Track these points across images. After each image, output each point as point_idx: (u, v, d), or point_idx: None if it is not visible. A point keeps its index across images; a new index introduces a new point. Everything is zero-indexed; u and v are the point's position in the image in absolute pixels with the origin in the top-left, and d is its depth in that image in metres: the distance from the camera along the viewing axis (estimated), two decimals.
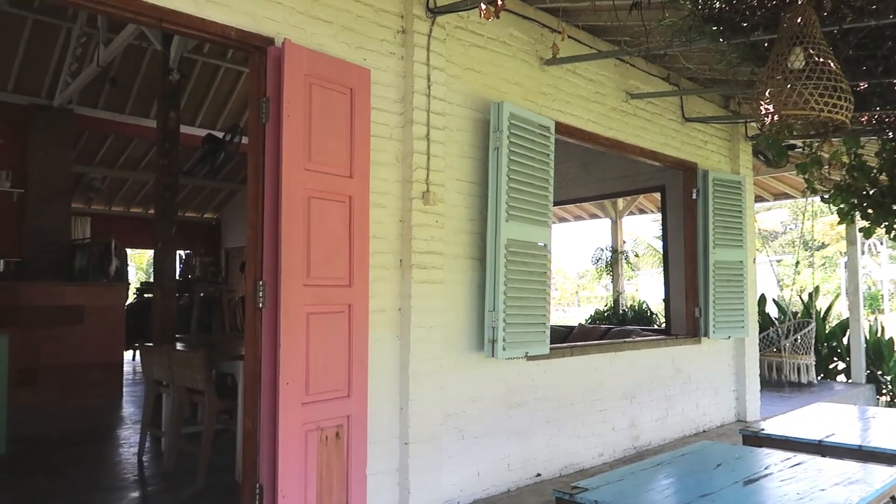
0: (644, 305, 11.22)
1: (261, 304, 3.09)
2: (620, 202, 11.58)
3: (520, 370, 4.42)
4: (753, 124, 6.76)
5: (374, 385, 3.48)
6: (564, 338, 7.84)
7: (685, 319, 6.49)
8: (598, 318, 11.23)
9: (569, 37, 4.59)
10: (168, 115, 6.38)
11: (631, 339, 6.04)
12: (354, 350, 3.32)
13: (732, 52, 4.22)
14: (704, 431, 6.18)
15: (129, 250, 10.15)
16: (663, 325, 8.73)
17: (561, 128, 4.80)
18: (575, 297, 28.37)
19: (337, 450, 3.21)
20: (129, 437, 5.70)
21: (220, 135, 7.66)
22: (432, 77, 3.88)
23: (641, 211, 12.32)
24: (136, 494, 4.15)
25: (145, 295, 10.97)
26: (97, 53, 7.81)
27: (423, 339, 3.72)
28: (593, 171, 8.53)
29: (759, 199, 10.24)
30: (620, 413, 5.27)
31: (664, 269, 7.50)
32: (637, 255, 13.22)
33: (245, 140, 7.98)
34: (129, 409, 7.09)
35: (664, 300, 7.10)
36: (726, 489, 2.75)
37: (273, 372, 3.03)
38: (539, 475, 4.51)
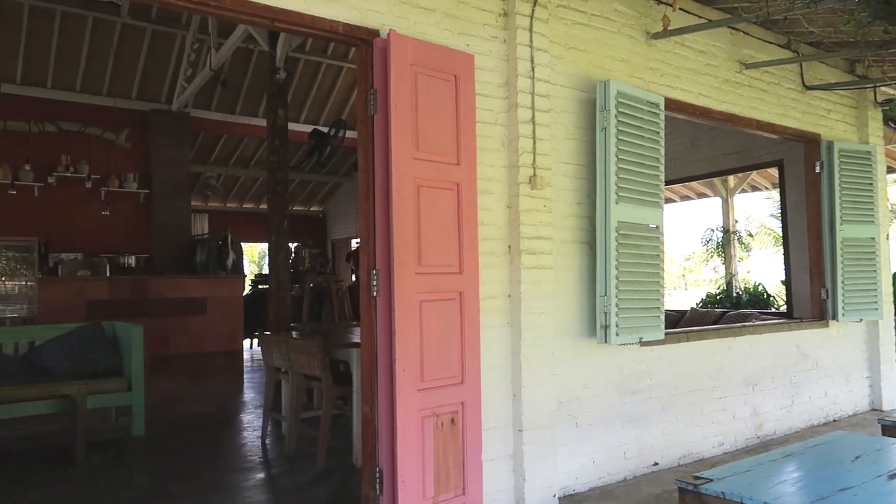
0: (760, 288, 10.63)
1: (375, 293, 3.15)
2: (731, 179, 10.99)
3: (633, 356, 4.29)
4: (885, 89, 6.21)
5: (486, 372, 3.48)
6: (676, 322, 7.55)
7: (810, 302, 6.08)
8: (709, 301, 10.75)
9: (678, 8, 4.39)
10: (277, 113, 6.63)
11: (751, 324, 5.72)
12: (466, 337, 3.33)
13: (862, 10, 3.87)
14: (835, 421, 5.79)
15: (243, 244, 10.66)
16: (782, 308, 8.25)
17: (670, 104, 4.60)
18: (681, 280, 27.33)
19: (452, 436, 3.24)
20: (252, 420, 6.00)
21: (325, 129, 7.88)
22: (536, 59, 3.81)
23: (754, 188, 11.65)
24: (262, 475, 4.36)
25: (259, 286, 11.53)
26: (209, 58, 8.21)
27: (533, 326, 3.67)
28: (702, 148, 8.14)
29: (891, 170, 9.43)
30: (741, 401, 5.01)
31: (784, 249, 7.06)
32: (751, 235, 12.52)
33: (349, 134, 8.20)
34: (249, 394, 7.48)
35: (784, 282, 6.69)
36: (868, 483, 2.55)
37: (389, 359, 3.08)
38: (656, 464, 4.37)
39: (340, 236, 15.41)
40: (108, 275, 8.16)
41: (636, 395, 4.29)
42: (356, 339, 4.93)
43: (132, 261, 8.79)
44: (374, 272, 3.16)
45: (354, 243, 14.34)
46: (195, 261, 9.72)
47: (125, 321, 5.99)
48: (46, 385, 4.72)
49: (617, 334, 3.92)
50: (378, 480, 3.10)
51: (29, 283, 7.26)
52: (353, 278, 11.79)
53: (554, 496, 3.68)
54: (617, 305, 3.92)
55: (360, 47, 3.29)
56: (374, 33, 3.26)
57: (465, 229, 3.37)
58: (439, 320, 3.23)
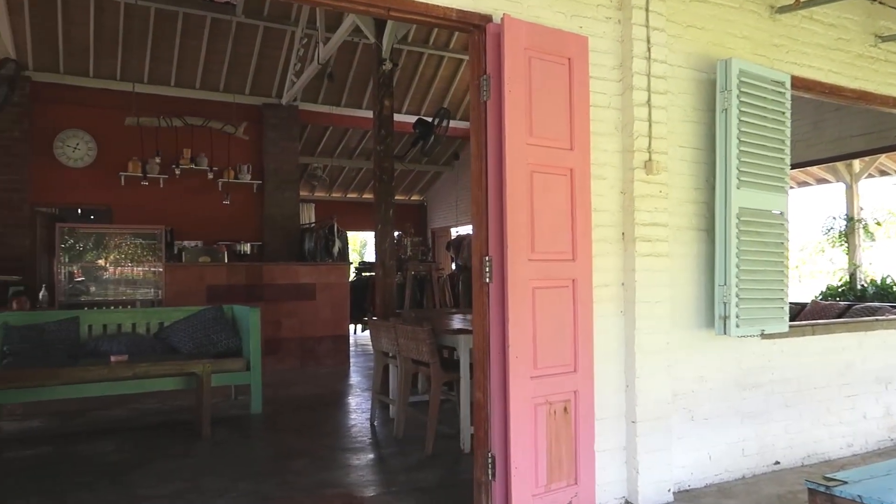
0: (889, 280, 9.84)
1: (487, 279, 3.15)
2: (857, 163, 10.23)
3: (754, 349, 4.08)
4: None
5: (599, 361, 3.41)
6: (796, 315, 7.11)
7: None
8: (831, 294, 10.08)
9: None
10: (383, 103, 6.75)
11: (885, 318, 5.31)
12: (579, 325, 3.27)
13: None
14: None
15: (347, 232, 10.98)
16: None
17: (796, 82, 4.31)
18: (795, 271, 25.78)
19: (565, 424, 3.20)
20: (360, 403, 6.19)
21: (429, 119, 7.97)
22: (652, 39, 3.67)
23: (883, 172, 10.78)
24: (372, 456, 4.49)
25: (363, 274, 11.85)
26: (317, 52, 8.48)
27: (648, 315, 3.56)
28: (826, 130, 7.63)
29: None
30: (873, 400, 4.67)
31: None
32: (878, 223, 11.57)
33: (452, 123, 8.25)
34: (355, 377, 7.71)
35: None
36: None
37: (502, 346, 3.08)
38: (777, 463, 4.15)
39: (440, 225, 15.58)
40: (225, 261, 8.63)
41: (756, 390, 4.08)
42: (459, 325, 4.98)
43: (247, 248, 9.27)
44: (487, 259, 3.16)
45: (454, 232, 14.45)
46: (303, 248, 10.12)
47: (241, 305, 6.32)
48: (176, 363, 5.05)
49: (737, 325, 3.74)
50: (490, 466, 3.11)
51: (156, 269, 7.78)
52: (454, 266, 11.89)
53: (668, 490, 3.57)
54: (737, 296, 3.73)
55: (472, 33, 3.28)
56: (487, 18, 3.24)
57: (578, 215, 3.30)
58: (552, 308, 3.19)
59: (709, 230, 3.90)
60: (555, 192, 3.24)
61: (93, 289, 7.76)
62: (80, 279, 7.74)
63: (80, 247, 7.83)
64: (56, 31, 8.44)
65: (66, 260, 7.65)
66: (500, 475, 3.08)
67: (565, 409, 3.21)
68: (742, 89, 3.80)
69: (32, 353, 5.19)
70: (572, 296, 3.27)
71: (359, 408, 6.00)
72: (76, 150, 8.85)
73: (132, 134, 8.90)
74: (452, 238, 13.15)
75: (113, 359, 4.92)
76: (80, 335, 5.64)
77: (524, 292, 3.09)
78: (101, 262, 7.84)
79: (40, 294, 7.62)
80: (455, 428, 5.02)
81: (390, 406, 5.45)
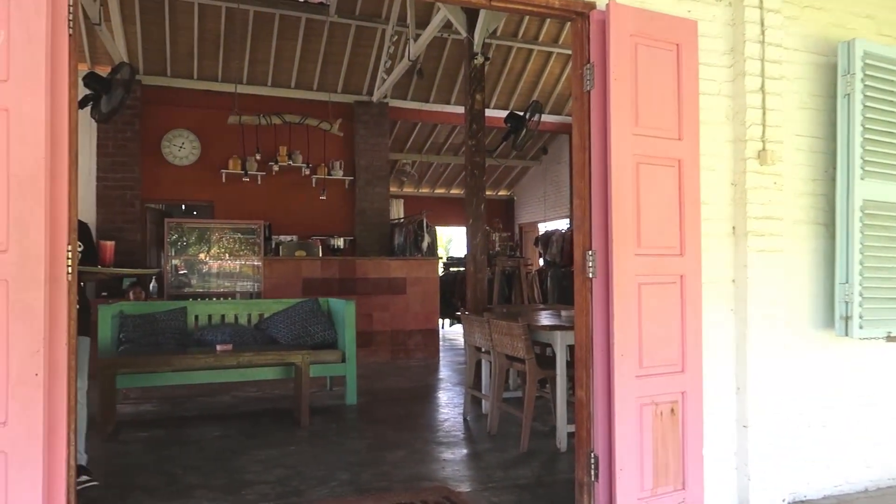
0: None
1: (591, 275, 3.06)
2: None
3: (879, 352, 3.79)
4: None
5: (708, 362, 3.26)
6: None
7: None
8: None
9: None
10: (474, 98, 6.72)
11: None
12: (688, 323, 3.13)
13: None
14: None
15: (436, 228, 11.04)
16: None
17: None
18: None
19: (672, 426, 3.07)
20: (452, 398, 6.20)
21: (520, 113, 7.89)
22: (766, 21, 3.46)
23: None
24: (466, 451, 4.48)
25: (451, 269, 11.89)
26: (407, 49, 8.55)
27: (761, 314, 3.36)
28: None
29: None
30: None
31: None
32: None
33: (544, 117, 8.13)
34: (445, 371, 7.74)
35: None
36: None
37: (606, 343, 2.99)
38: None
39: (528, 220, 15.44)
40: (320, 255, 8.86)
41: (881, 397, 3.79)
42: (551, 321, 4.89)
43: (340, 242, 9.49)
44: (590, 253, 3.07)
45: (542, 227, 14.28)
46: (393, 243, 10.26)
47: (335, 298, 6.46)
48: (276, 353, 5.21)
49: (860, 327, 3.48)
50: (593, 466, 3.03)
51: (255, 263, 8.08)
52: (542, 262, 11.75)
53: (782, 501, 3.36)
54: (861, 295, 3.47)
55: (575, 21, 3.20)
56: (591, 5, 3.14)
57: (686, 208, 3.16)
58: (659, 304, 3.07)
59: (828, 224, 3.65)
60: (662, 184, 3.11)
61: (196, 281, 8.15)
62: (185, 272, 8.15)
63: (185, 241, 8.24)
64: (164, 38, 8.90)
65: (174, 253, 8.06)
66: (604, 476, 2.99)
67: (672, 410, 3.08)
68: (867, 72, 3.53)
69: (145, 341, 5.50)
70: (680, 292, 3.13)
71: (451, 402, 6.02)
72: (181, 148, 9.31)
73: (232, 133, 9.28)
74: (541, 233, 13.00)
75: (219, 348, 5.13)
76: (187, 325, 5.93)
77: (630, 288, 2.98)
78: (203, 255, 8.22)
79: (150, 285, 8.07)
80: (549, 425, 4.95)
81: (483, 401, 5.42)
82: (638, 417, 2.98)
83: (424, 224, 10.18)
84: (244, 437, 4.75)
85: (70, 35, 2.39)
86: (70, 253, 2.33)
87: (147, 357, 5.02)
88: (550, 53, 10.80)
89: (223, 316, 6.22)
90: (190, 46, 9.14)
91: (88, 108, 6.61)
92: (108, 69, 7.24)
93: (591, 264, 3.06)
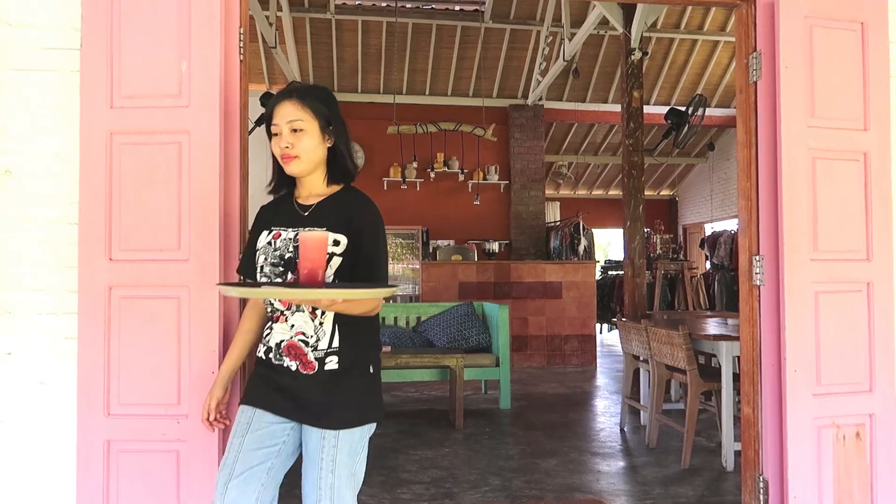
0: None
1: (758, 282, 2.81)
2: None
3: None
4: None
5: None
6: None
7: None
8: None
9: None
10: (632, 95, 6.48)
11: None
12: (876, 337, 2.77)
13: None
14: None
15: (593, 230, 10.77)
16: None
17: None
18: None
19: (857, 453, 2.73)
20: (608, 406, 6.01)
21: (681, 108, 7.48)
22: None
23: None
24: (623, 463, 4.30)
25: (608, 273, 11.55)
26: (562, 49, 8.43)
27: None
28: None
29: None
30: None
31: None
32: None
33: (708, 112, 7.64)
34: (602, 379, 7.51)
35: None
36: None
37: (776, 356, 2.73)
38: None
39: (692, 221, 14.61)
40: (475, 259, 8.98)
41: None
42: (718, 330, 4.57)
43: (496, 246, 9.55)
44: (758, 258, 2.82)
45: (709, 228, 13.44)
46: (549, 247, 10.16)
47: (490, 302, 6.50)
48: (432, 356, 5.34)
49: None
50: (762, 491, 2.78)
51: (414, 266, 8.36)
52: (708, 265, 11.06)
53: None
54: None
55: (739, 7, 2.96)
56: None
57: (874, 207, 2.80)
58: (840, 315, 2.75)
59: None
60: (843, 181, 2.78)
61: None
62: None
63: None
64: (331, 55, 9.50)
65: None
66: (774, 503, 2.73)
67: (857, 434, 2.74)
68: None
69: None
70: (867, 302, 2.78)
71: (607, 411, 5.83)
72: None
73: (392, 142, 9.68)
74: (707, 235, 12.24)
75: None
76: None
77: (804, 296, 2.70)
78: None
79: None
80: (714, 441, 4.63)
81: (641, 412, 5.20)
82: (815, 440, 2.68)
83: (581, 227, 9.98)
84: (401, 435, 4.92)
85: (241, 61, 2.60)
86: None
87: None
88: (717, 42, 10.14)
89: (384, 318, 6.49)
90: (354, 62, 9.68)
91: (264, 126, 7.20)
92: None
93: (758, 271, 2.81)
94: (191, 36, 2.48)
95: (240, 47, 2.59)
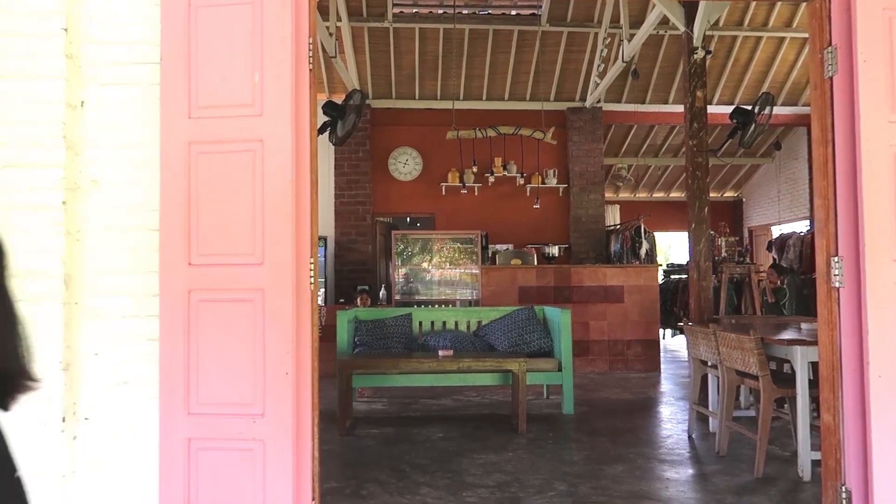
0: None
1: (837, 283, 2.71)
2: None
3: None
4: None
5: None
6: None
7: None
8: None
9: None
10: (695, 95, 6.34)
11: None
12: None
13: None
14: None
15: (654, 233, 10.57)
16: None
17: None
18: None
19: None
20: (674, 413, 5.87)
21: (747, 107, 7.27)
22: None
23: None
24: (692, 471, 4.20)
25: (671, 277, 11.30)
26: (621, 50, 8.31)
27: None
28: None
29: None
30: None
31: None
32: None
33: (776, 110, 7.41)
34: (667, 385, 7.35)
35: None
36: None
37: (858, 361, 2.62)
38: None
39: (759, 223, 14.17)
40: (535, 263, 8.93)
41: None
42: (788, 334, 4.41)
43: (555, 250, 9.47)
44: (836, 259, 2.72)
45: (777, 230, 13.01)
46: (609, 250, 10.01)
47: (551, 306, 6.46)
48: (494, 360, 5.34)
49: None
50: (845, 501, 2.67)
51: (473, 271, 8.37)
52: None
53: None
54: None
55: (813, 1, 2.87)
56: None
57: None
58: None
59: None
60: None
61: (420, 288, 8.66)
62: (409, 280, 8.70)
63: (409, 251, 8.80)
64: (389, 63, 9.63)
65: (399, 263, 8.65)
66: None
67: None
68: None
69: (376, 345, 5.96)
70: None
71: (673, 417, 5.70)
72: (405, 165, 9.97)
73: (451, 147, 9.73)
74: (774, 237, 11.84)
75: (441, 353, 5.40)
76: (412, 330, 6.31)
77: (887, 298, 2.58)
78: (426, 264, 8.71)
79: (380, 293, 8.74)
80: (788, 450, 4.48)
81: (710, 419, 5.06)
82: None
83: (642, 230, 9.79)
84: (465, 439, 4.93)
85: (310, 70, 2.67)
86: (312, 265, 2.60)
87: (378, 359, 5.43)
88: (782, 39, 9.82)
89: (444, 322, 6.53)
90: (412, 69, 9.78)
91: (327, 133, 7.35)
92: (343, 97, 8.02)
93: (837, 272, 2.71)
94: (263, 47, 2.57)
95: (309, 57, 2.67)
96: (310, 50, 2.67)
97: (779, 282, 8.16)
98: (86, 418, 2.52)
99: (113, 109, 2.65)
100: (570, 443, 4.89)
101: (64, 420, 2.43)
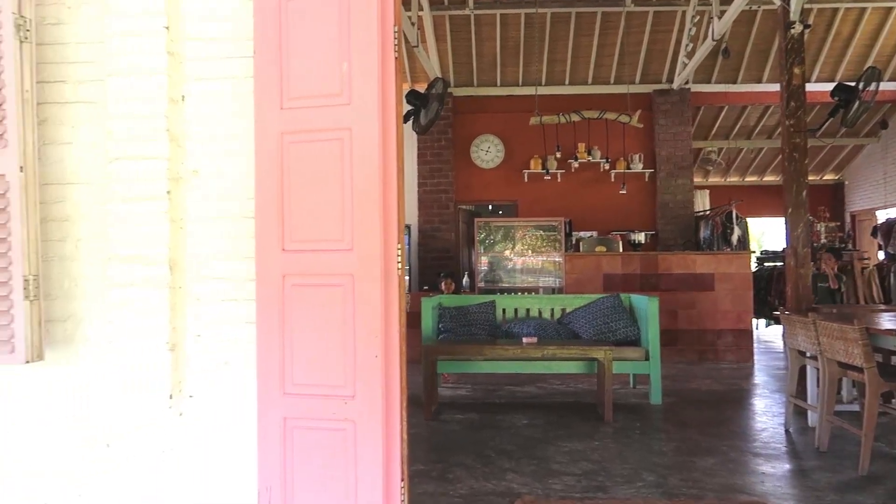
0: None
1: None
2: None
3: None
4: None
5: None
6: None
7: None
8: None
9: None
10: (792, 73, 6.00)
11: None
12: None
13: None
14: None
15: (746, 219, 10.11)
16: None
17: None
18: None
19: None
20: (769, 406, 5.63)
21: (852, 84, 6.82)
22: None
23: None
24: (789, 466, 4.02)
25: (765, 264, 10.80)
26: (710, 28, 7.97)
27: None
28: None
29: None
30: None
31: None
32: None
33: (881, 86, 6.92)
34: (761, 377, 7.05)
35: None
36: None
37: None
38: None
39: (862, 207, 13.31)
40: (620, 251, 8.74)
41: None
42: (895, 325, 4.13)
43: (641, 237, 9.24)
44: None
45: (882, 215, 12.19)
46: (698, 237, 9.68)
47: (638, 294, 6.30)
48: (579, 347, 5.26)
49: None
50: None
51: (556, 259, 8.28)
52: (882, 255, 10.03)
53: None
54: None
55: None
56: None
57: None
58: None
59: None
60: None
61: (502, 276, 8.65)
62: (491, 268, 8.70)
63: (491, 238, 8.80)
64: (470, 50, 9.62)
65: (482, 250, 8.67)
66: None
67: None
68: None
69: (460, 331, 6.00)
70: None
71: (768, 410, 5.46)
72: (487, 152, 9.95)
73: (533, 133, 9.64)
74: (880, 222, 11.09)
75: (525, 340, 5.38)
76: (495, 317, 6.32)
77: None
78: (508, 252, 8.69)
79: (463, 280, 8.79)
80: (895, 447, 4.22)
81: (808, 413, 4.82)
82: None
83: (734, 215, 9.40)
84: (550, 426, 4.90)
85: (396, 59, 2.70)
86: (400, 251, 2.65)
87: (463, 346, 5.47)
88: (889, 10, 9.16)
89: (528, 310, 6.50)
90: (493, 56, 9.73)
91: (410, 122, 7.44)
92: (425, 86, 8.08)
93: None
94: (350, 37, 2.62)
95: (394, 45, 2.69)
96: (395, 38, 2.69)
97: (836, 267, 7.63)
98: (190, 396, 2.67)
99: (208, 103, 2.77)
100: (658, 433, 4.77)
101: (171, 397, 2.59)
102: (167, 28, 2.70)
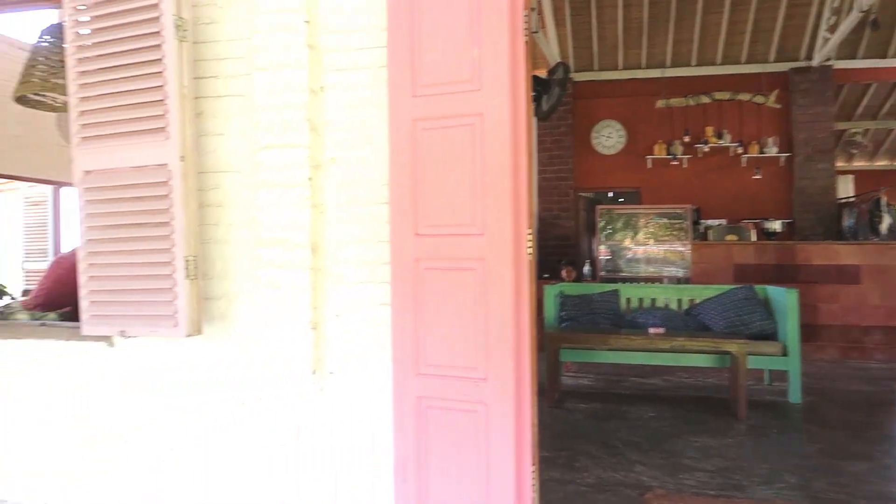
0: None
1: None
2: None
3: None
4: None
5: None
6: None
7: None
8: None
9: None
10: None
11: None
12: None
13: None
14: None
15: None
16: None
17: None
18: None
19: None
20: None
21: None
22: None
23: None
24: None
25: None
26: None
27: None
28: None
29: None
30: None
31: None
32: None
33: None
34: None
35: None
36: None
37: None
38: None
39: None
40: (752, 240, 8.27)
41: None
42: None
43: (776, 226, 8.68)
44: None
45: None
46: (842, 226, 8.96)
47: (773, 286, 5.92)
48: (710, 340, 5.02)
49: None
50: None
51: (682, 248, 7.95)
52: None
53: None
54: None
55: None
56: None
57: None
58: None
59: None
60: None
61: (625, 265, 8.41)
62: (611, 256, 8.49)
63: (613, 226, 8.57)
64: (591, 34, 9.38)
65: (603, 238, 8.47)
66: None
67: None
68: None
69: (583, 320, 5.91)
70: None
71: None
72: (609, 138, 9.70)
73: (657, 118, 9.28)
74: None
75: (651, 331, 5.21)
76: (619, 306, 6.16)
77: None
78: (630, 240, 8.44)
79: (584, 268, 8.64)
80: None
81: None
82: None
83: (883, 202, 8.62)
84: (679, 421, 4.73)
85: (525, 43, 2.68)
86: (530, 236, 2.63)
87: (587, 334, 5.38)
88: None
89: (653, 300, 6.29)
90: (615, 38, 9.44)
91: (532, 109, 7.36)
92: (545, 71, 7.97)
93: None
94: (481, 23, 2.62)
95: (524, 29, 2.67)
96: (525, 22, 2.67)
97: None
98: (331, 373, 2.80)
99: (344, 92, 2.88)
100: (798, 433, 4.48)
101: (314, 373, 2.73)
102: (307, 22, 2.82)
